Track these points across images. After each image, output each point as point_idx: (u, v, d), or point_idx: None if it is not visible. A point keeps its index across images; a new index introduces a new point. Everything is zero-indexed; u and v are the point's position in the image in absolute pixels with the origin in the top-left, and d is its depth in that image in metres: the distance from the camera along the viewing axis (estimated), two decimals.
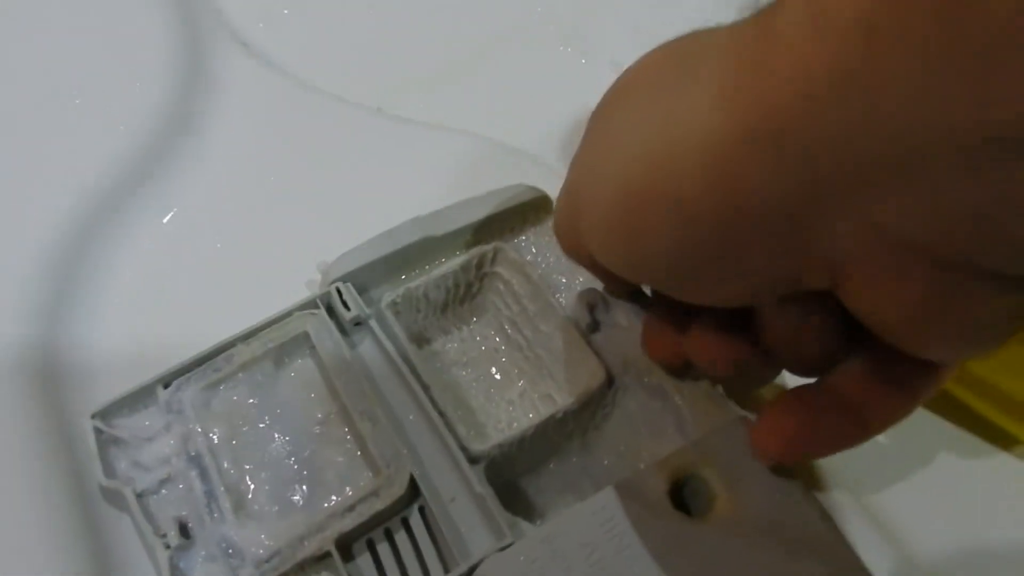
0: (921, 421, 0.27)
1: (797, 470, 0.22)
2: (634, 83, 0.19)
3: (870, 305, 0.15)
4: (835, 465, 0.25)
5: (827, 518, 0.21)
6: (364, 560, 0.23)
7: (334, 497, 0.24)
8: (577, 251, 0.21)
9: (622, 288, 0.25)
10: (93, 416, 0.24)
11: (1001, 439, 0.26)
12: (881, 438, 0.25)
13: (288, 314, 0.26)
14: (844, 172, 0.13)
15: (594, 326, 0.25)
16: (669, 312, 0.23)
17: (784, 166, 0.13)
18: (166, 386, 0.25)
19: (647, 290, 0.25)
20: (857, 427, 0.19)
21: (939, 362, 0.17)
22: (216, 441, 0.24)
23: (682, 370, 0.23)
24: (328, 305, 0.26)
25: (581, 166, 0.20)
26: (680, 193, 0.15)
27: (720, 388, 0.24)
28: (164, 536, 0.22)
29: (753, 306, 0.19)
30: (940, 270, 0.14)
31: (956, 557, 0.24)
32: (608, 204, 0.18)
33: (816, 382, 0.20)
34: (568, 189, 0.21)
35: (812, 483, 0.25)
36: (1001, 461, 0.26)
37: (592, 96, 0.20)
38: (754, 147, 0.14)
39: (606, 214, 0.18)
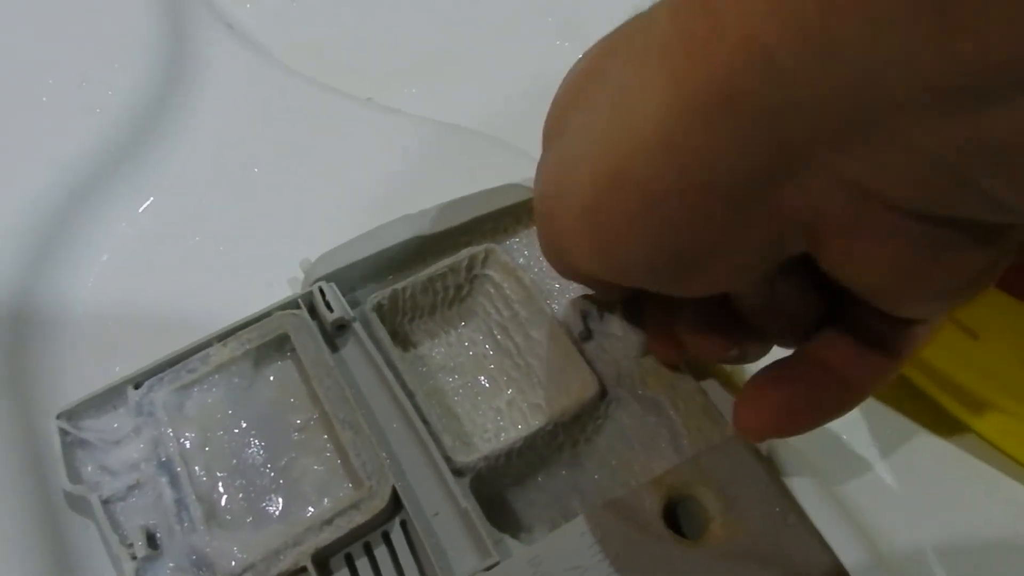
0: (897, 425, 0.27)
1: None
2: (582, 81, 0.18)
3: (850, 265, 0.15)
4: (809, 459, 0.25)
5: (826, 547, 0.20)
6: None
7: (311, 509, 0.23)
8: (562, 264, 0.21)
9: (614, 294, 0.24)
10: (59, 416, 0.23)
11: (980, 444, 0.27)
12: (857, 438, 0.26)
13: (268, 314, 0.25)
14: (807, 130, 0.13)
15: (587, 334, 0.24)
16: (664, 313, 0.23)
17: (743, 132, 0.13)
18: (137, 387, 0.24)
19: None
20: (842, 392, 0.19)
21: (918, 319, 0.18)
22: (188, 446, 0.23)
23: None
24: (310, 305, 0.25)
25: (546, 175, 0.19)
26: (643, 175, 0.15)
27: (716, 405, 0.23)
28: (131, 546, 0.22)
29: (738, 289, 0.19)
30: (917, 223, 0.13)
31: (926, 552, 0.25)
32: (578, 205, 0.17)
33: (795, 353, 0.19)
34: (540, 201, 0.20)
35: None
36: (973, 463, 0.27)
37: None
38: (710, 118, 0.13)
39: (578, 216, 0.18)
